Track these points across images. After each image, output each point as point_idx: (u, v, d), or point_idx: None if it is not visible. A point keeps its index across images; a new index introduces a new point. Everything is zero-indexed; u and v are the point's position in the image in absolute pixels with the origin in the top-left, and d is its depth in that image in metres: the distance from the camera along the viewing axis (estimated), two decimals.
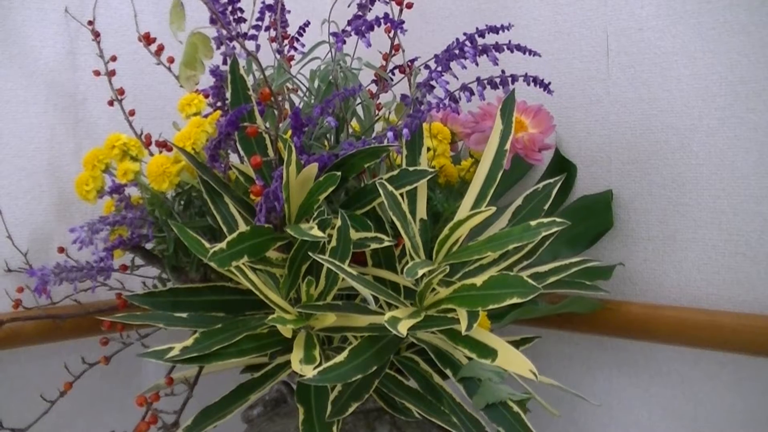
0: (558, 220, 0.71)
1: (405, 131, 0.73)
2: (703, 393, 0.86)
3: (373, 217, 0.75)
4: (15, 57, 0.88)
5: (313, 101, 0.79)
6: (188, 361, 0.67)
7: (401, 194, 0.73)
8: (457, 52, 0.75)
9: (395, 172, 0.75)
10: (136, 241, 0.75)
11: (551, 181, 0.84)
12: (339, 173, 0.69)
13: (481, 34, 0.76)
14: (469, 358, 0.68)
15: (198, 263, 0.75)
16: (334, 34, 0.77)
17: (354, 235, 0.70)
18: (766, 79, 0.80)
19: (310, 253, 0.68)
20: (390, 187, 0.72)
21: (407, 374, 0.74)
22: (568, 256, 0.87)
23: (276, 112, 0.76)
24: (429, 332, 0.72)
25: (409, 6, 0.80)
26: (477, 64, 0.75)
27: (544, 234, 0.70)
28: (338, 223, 0.69)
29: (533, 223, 0.70)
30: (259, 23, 0.80)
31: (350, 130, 0.79)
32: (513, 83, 0.78)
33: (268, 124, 0.78)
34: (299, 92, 0.82)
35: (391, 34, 0.81)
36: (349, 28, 0.78)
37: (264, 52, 0.78)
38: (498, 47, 0.76)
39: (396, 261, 0.75)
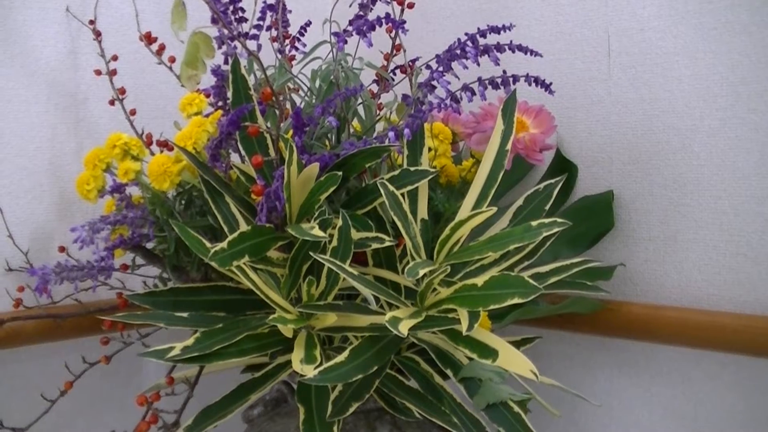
0: (559, 220, 0.71)
1: (406, 131, 0.73)
2: (704, 393, 0.86)
3: (374, 217, 0.75)
4: (16, 56, 0.88)
5: (314, 101, 0.79)
6: (189, 360, 0.67)
7: (402, 194, 0.73)
8: (458, 52, 0.75)
9: (396, 172, 0.75)
10: (137, 240, 0.75)
11: (552, 181, 0.84)
12: (340, 173, 0.69)
13: (483, 34, 0.76)
14: (470, 359, 0.68)
15: (199, 263, 0.75)
16: (336, 34, 0.77)
17: (355, 235, 0.70)
18: (767, 80, 0.80)
19: (311, 253, 0.68)
20: (391, 187, 0.72)
21: (408, 374, 0.74)
22: (569, 256, 0.87)
23: (277, 112, 0.76)
24: (430, 332, 0.72)
25: (411, 6, 0.80)
26: (478, 64, 0.75)
27: (545, 234, 0.70)
28: (339, 223, 0.69)
29: (534, 223, 0.70)
30: (261, 23, 0.80)
31: (351, 130, 0.79)
32: (514, 83, 0.78)
33: (269, 124, 0.78)
34: (300, 92, 0.82)
35: (393, 34, 0.81)
36: (350, 28, 0.78)
37: (265, 51, 0.78)
38: (499, 47, 0.76)
39: (397, 261, 0.75)
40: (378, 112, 0.82)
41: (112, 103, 0.87)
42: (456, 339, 0.67)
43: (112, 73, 0.87)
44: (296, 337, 0.69)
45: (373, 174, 0.78)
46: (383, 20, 0.78)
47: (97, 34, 0.88)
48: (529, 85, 0.79)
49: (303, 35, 0.83)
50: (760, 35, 0.80)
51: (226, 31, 0.75)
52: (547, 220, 0.70)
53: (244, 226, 0.70)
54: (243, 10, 0.79)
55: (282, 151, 0.72)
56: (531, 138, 0.84)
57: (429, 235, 0.76)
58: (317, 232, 0.65)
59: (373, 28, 0.77)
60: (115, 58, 0.88)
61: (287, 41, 0.81)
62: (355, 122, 0.80)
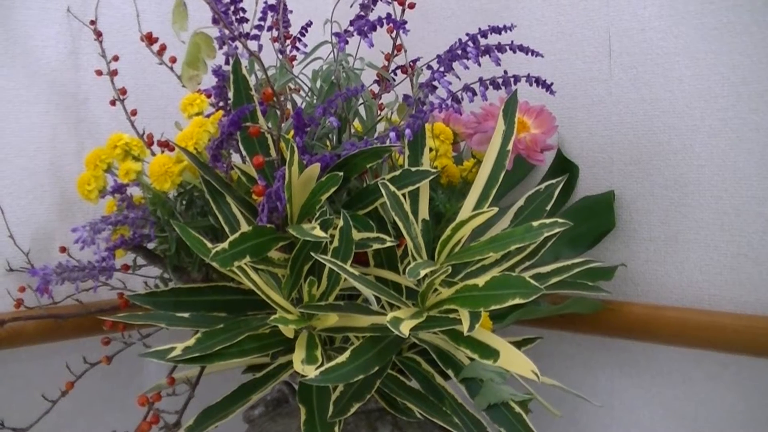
0: (560, 220, 0.71)
1: (407, 131, 0.73)
2: (705, 393, 0.86)
3: (375, 218, 0.75)
4: (17, 57, 0.88)
5: (315, 101, 0.79)
6: (190, 361, 0.67)
7: (403, 194, 0.73)
8: (459, 52, 0.75)
9: (397, 173, 0.75)
10: (138, 240, 0.75)
11: (553, 181, 0.84)
12: (341, 173, 0.69)
13: (484, 35, 0.76)
14: (471, 359, 0.68)
15: (200, 263, 0.75)
16: (337, 34, 0.77)
17: (356, 235, 0.70)
18: None
19: (312, 254, 0.68)
20: (392, 188, 0.72)
21: (409, 375, 0.74)
22: (570, 256, 0.87)
23: (278, 112, 0.76)
24: (431, 333, 0.72)
25: (412, 6, 0.80)
26: (479, 65, 0.75)
27: (546, 235, 0.70)
28: (340, 223, 0.69)
29: (535, 223, 0.70)
30: (262, 23, 0.80)
31: (352, 131, 0.79)
32: (515, 84, 0.78)
33: (270, 124, 0.78)
34: (301, 92, 0.82)
35: (394, 35, 0.81)
36: (351, 29, 0.78)
37: (266, 52, 0.78)
38: (500, 48, 0.76)
39: (398, 261, 0.75)
40: (379, 112, 0.82)
41: (113, 103, 0.87)
42: (457, 339, 0.67)
43: (113, 73, 0.87)
44: (297, 337, 0.69)
45: (374, 174, 0.78)
46: (384, 20, 0.78)
47: (98, 34, 0.88)
48: (530, 85, 0.79)
49: (304, 35, 0.83)
50: (761, 35, 0.80)
51: (227, 32, 0.75)
52: (548, 221, 0.70)
53: (245, 227, 0.70)
54: (244, 11, 0.79)
55: (283, 152, 0.72)
56: (532, 138, 0.84)
57: (430, 236, 0.76)
58: (318, 232, 0.65)
59: (374, 29, 0.77)
60: (116, 58, 0.88)
61: (288, 41, 0.81)
62: (356, 122, 0.80)
